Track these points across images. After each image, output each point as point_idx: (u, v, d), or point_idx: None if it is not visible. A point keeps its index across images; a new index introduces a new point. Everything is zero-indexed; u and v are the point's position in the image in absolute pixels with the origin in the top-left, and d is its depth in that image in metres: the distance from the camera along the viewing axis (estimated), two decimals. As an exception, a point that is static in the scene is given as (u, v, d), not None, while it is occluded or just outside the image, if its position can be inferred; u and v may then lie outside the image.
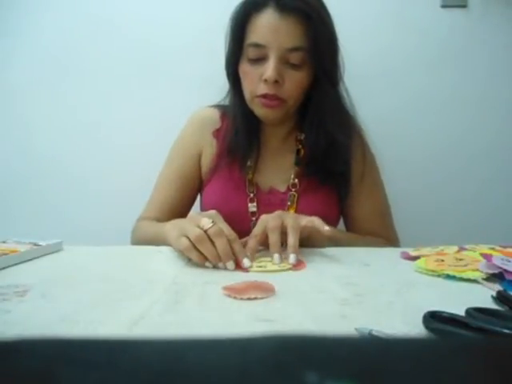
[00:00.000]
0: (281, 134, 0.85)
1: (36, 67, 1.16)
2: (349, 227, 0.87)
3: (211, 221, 0.56)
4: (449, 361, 0.14)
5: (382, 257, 0.63)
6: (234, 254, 0.55)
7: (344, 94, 0.81)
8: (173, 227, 0.61)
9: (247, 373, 0.13)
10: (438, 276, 0.50)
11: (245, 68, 0.75)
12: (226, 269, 0.54)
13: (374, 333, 0.31)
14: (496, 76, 1.13)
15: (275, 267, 0.55)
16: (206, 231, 0.55)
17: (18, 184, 1.19)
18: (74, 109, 1.17)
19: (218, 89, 0.84)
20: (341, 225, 0.90)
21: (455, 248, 0.60)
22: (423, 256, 0.58)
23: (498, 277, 0.48)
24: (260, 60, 0.73)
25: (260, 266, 0.55)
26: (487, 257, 0.52)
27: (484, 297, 0.42)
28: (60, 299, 0.43)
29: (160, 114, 1.16)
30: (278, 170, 0.83)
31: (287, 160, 0.84)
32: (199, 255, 0.55)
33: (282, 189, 0.82)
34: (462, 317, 0.34)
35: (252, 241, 0.59)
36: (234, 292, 0.43)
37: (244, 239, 0.61)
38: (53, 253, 0.64)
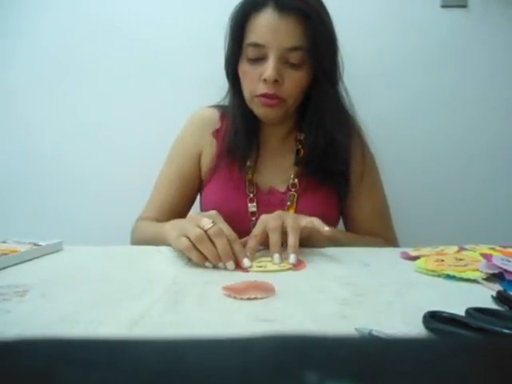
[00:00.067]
0: (280, 134, 0.85)
1: (36, 67, 1.16)
2: (348, 227, 0.87)
3: (211, 221, 0.56)
4: (449, 361, 0.14)
5: (382, 257, 0.63)
6: (234, 254, 0.55)
7: (343, 93, 0.82)
8: (172, 227, 0.61)
9: (247, 373, 0.13)
10: (438, 276, 0.50)
11: (244, 68, 0.75)
12: (225, 269, 0.54)
13: (374, 333, 0.31)
14: (496, 76, 1.13)
15: (275, 267, 0.55)
16: (206, 231, 0.55)
17: (18, 184, 1.19)
18: (73, 109, 1.17)
19: (218, 89, 0.84)
20: (340, 225, 0.90)
21: (455, 248, 0.60)
22: (423, 256, 0.58)
23: (498, 277, 0.48)
24: (259, 60, 0.73)
25: (260, 266, 0.55)
26: (487, 257, 0.52)
27: (484, 297, 0.42)
28: (60, 299, 0.43)
29: (160, 113, 1.16)
30: (278, 170, 0.83)
31: (287, 160, 0.84)
32: (199, 255, 0.55)
33: (282, 189, 0.82)
34: (462, 317, 0.34)
35: (252, 241, 0.59)
36: (234, 292, 0.43)
37: (244, 239, 0.61)
38: (53, 253, 0.64)
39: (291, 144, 0.85)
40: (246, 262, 0.55)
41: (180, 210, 0.85)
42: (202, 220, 0.56)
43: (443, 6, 1.11)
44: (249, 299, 0.42)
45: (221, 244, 0.54)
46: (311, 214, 0.67)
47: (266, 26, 0.71)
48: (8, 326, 0.36)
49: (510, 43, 1.12)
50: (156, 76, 1.15)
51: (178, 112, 0.96)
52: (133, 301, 0.42)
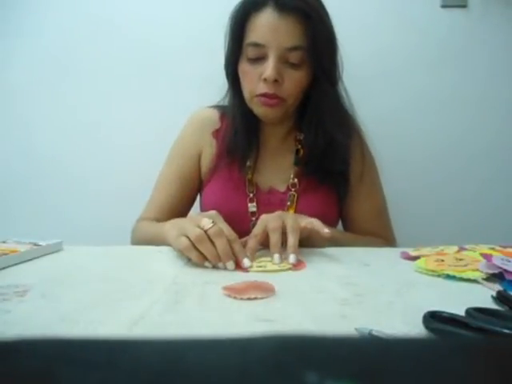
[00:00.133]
0: (280, 134, 0.85)
1: (36, 67, 1.16)
2: (347, 227, 0.87)
3: (211, 221, 0.56)
4: (449, 361, 0.14)
5: (382, 257, 0.63)
6: (234, 254, 0.55)
7: (343, 93, 0.82)
8: (172, 227, 0.61)
9: (247, 373, 0.13)
10: (438, 276, 0.50)
11: (244, 67, 0.75)
12: (225, 269, 0.54)
13: (374, 333, 0.31)
14: (496, 76, 1.13)
15: (275, 267, 0.55)
16: (206, 231, 0.55)
17: (18, 184, 1.19)
18: (73, 109, 1.17)
19: (218, 89, 0.84)
20: (339, 224, 0.90)
21: (455, 248, 0.60)
22: (423, 256, 0.58)
23: (498, 277, 0.48)
24: (259, 59, 0.73)
25: (260, 266, 0.55)
26: (487, 257, 0.52)
27: (484, 297, 0.42)
28: (60, 299, 0.43)
29: (160, 113, 1.16)
30: (278, 170, 0.84)
31: (286, 160, 0.84)
32: (199, 255, 0.55)
33: (282, 189, 0.82)
34: (462, 317, 0.34)
35: (252, 241, 0.59)
36: (234, 292, 0.43)
37: (244, 239, 0.61)
38: (53, 253, 0.64)
39: (291, 144, 0.85)
40: (246, 261, 0.55)
41: (180, 210, 0.85)
42: (202, 220, 0.56)
43: (443, 6, 1.11)
44: (249, 299, 0.42)
45: (221, 244, 0.54)
46: (311, 214, 0.67)
47: (266, 25, 0.71)
48: (8, 326, 0.36)
49: (510, 43, 1.12)
50: (156, 76, 1.15)
51: (177, 112, 0.96)
52: (133, 301, 0.42)
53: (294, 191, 0.81)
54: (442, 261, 0.54)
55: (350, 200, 0.84)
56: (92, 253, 0.65)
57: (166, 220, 0.71)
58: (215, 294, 0.44)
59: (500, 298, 0.40)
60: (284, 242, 0.58)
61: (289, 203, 0.80)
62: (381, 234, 0.84)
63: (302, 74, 0.74)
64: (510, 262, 0.49)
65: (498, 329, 0.31)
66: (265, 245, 0.60)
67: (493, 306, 0.40)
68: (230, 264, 0.54)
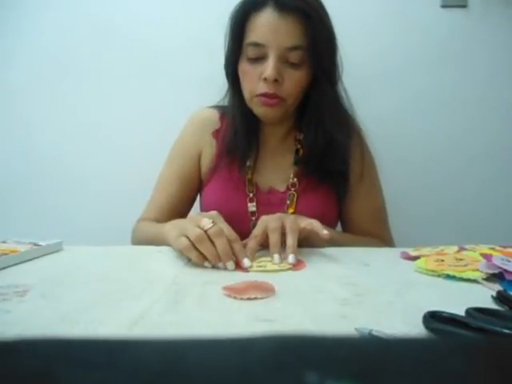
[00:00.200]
0: (280, 134, 0.85)
1: (36, 67, 1.16)
2: (345, 227, 0.88)
3: (211, 221, 0.56)
4: (449, 361, 0.14)
5: (382, 257, 0.63)
6: (234, 254, 0.55)
7: (343, 93, 0.82)
8: (172, 227, 0.61)
9: (247, 373, 0.13)
10: (438, 276, 0.50)
11: (244, 67, 0.75)
12: (226, 269, 0.54)
13: (374, 333, 0.31)
14: (496, 76, 1.13)
15: (275, 267, 0.55)
16: (206, 231, 0.55)
17: (18, 184, 1.19)
18: (73, 109, 1.17)
19: (218, 89, 0.84)
20: (338, 224, 0.90)
21: (455, 248, 0.60)
22: (423, 256, 0.58)
23: (498, 277, 0.48)
24: (259, 59, 0.73)
25: (260, 266, 0.55)
26: (487, 257, 0.52)
27: (484, 297, 0.42)
28: (60, 299, 0.43)
29: (160, 113, 1.16)
30: (278, 170, 0.84)
31: (286, 160, 0.84)
32: (198, 255, 0.55)
33: (282, 188, 0.82)
34: (462, 317, 0.34)
35: (252, 241, 0.60)
36: (234, 292, 0.43)
37: (244, 241, 0.61)
38: (53, 253, 0.64)
39: (291, 144, 0.85)
40: (246, 262, 0.55)
41: (180, 211, 0.85)
42: (202, 220, 0.56)
43: (443, 6, 1.11)
44: (249, 299, 0.42)
45: (220, 244, 0.54)
46: (311, 214, 0.67)
47: (266, 25, 0.71)
48: (8, 326, 0.36)
49: (510, 43, 1.12)
50: (156, 76, 1.15)
51: (177, 112, 0.96)
52: (133, 301, 0.42)
53: (294, 191, 0.81)
54: (442, 261, 0.54)
55: (349, 200, 0.84)
56: (92, 253, 0.65)
57: (167, 220, 0.71)
58: (215, 294, 0.44)
59: (500, 298, 0.40)
60: (283, 243, 0.58)
61: (288, 203, 0.80)
62: (378, 235, 0.84)
63: (302, 74, 0.74)
64: (510, 261, 0.49)
65: (498, 329, 0.31)
66: (265, 245, 0.60)
67: (493, 306, 0.40)
68: (230, 264, 0.54)
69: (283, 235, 0.59)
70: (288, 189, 0.82)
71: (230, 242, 0.55)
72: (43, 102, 1.17)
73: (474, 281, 0.48)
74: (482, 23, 1.11)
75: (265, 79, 0.72)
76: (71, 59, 1.16)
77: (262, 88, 0.73)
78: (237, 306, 0.40)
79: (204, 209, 0.86)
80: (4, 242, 0.63)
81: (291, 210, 0.79)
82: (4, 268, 0.54)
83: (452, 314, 0.34)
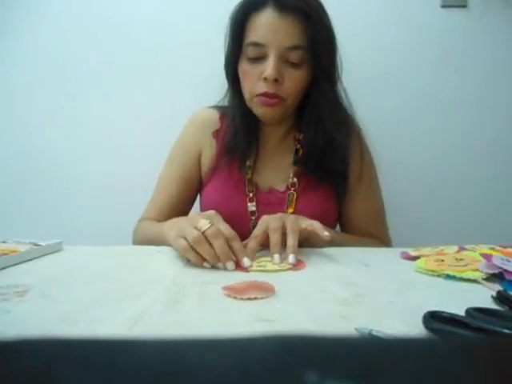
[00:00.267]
0: (279, 134, 0.85)
1: (36, 67, 1.16)
2: (344, 227, 0.88)
3: (209, 222, 0.55)
4: (449, 361, 0.14)
5: (382, 257, 0.63)
6: (233, 252, 0.55)
7: (342, 93, 0.82)
8: (171, 227, 0.61)
9: (247, 373, 0.13)
10: (438, 276, 0.50)
11: (244, 67, 0.75)
12: (225, 269, 0.54)
13: (374, 333, 0.31)
14: (496, 76, 1.13)
15: (275, 267, 0.55)
16: (203, 232, 0.54)
17: (18, 184, 1.19)
18: (74, 109, 1.17)
19: (218, 89, 0.84)
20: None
21: (455, 248, 0.60)
22: (423, 256, 0.58)
23: (498, 277, 0.48)
24: (259, 59, 0.73)
25: (260, 266, 0.55)
26: (487, 257, 0.52)
27: (484, 297, 0.42)
28: (60, 299, 0.43)
29: (160, 113, 1.16)
30: (277, 170, 0.84)
31: (286, 159, 0.84)
32: (197, 256, 0.54)
33: (281, 188, 0.82)
34: (462, 317, 0.34)
35: (253, 241, 0.59)
36: (234, 292, 0.43)
37: (245, 241, 0.61)
38: (53, 253, 0.64)
39: (290, 143, 0.85)
40: (245, 261, 0.54)
41: (181, 210, 0.85)
42: (199, 221, 0.56)
43: (443, 6, 1.11)
44: (249, 299, 0.42)
45: (218, 245, 0.53)
46: (310, 213, 0.67)
47: (266, 25, 0.71)
48: (8, 326, 0.36)
49: (510, 43, 1.12)
50: (156, 76, 1.15)
51: (177, 112, 0.96)
52: (133, 301, 0.42)
53: (294, 191, 0.81)
54: (442, 261, 0.54)
55: (348, 200, 0.84)
56: (92, 253, 0.65)
57: (167, 220, 0.71)
58: (215, 294, 0.44)
59: (500, 297, 0.40)
60: (284, 243, 0.58)
61: (288, 203, 0.80)
62: (377, 235, 0.84)
63: (302, 74, 0.74)
64: (510, 261, 0.49)
65: (498, 329, 0.31)
66: (265, 246, 0.60)
67: (493, 306, 0.40)
68: (230, 264, 0.54)
69: (284, 235, 0.59)
70: (288, 188, 0.82)
71: (228, 240, 0.55)
72: (43, 102, 1.17)
73: (474, 281, 0.48)
74: (482, 23, 1.11)
75: (265, 79, 0.72)
76: (71, 59, 1.16)
77: (262, 88, 0.73)
78: (237, 306, 0.40)
79: (204, 209, 0.86)
80: (4, 242, 0.63)
81: (291, 210, 0.79)
82: (4, 268, 0.54)
83: (452, 314, 0.34)
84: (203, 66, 1.10)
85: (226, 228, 0.56)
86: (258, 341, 0.15)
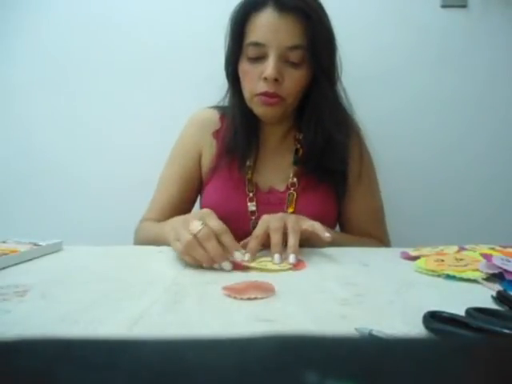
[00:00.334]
0: (279, 134, 0.86)
1: (36, 67, 1.16)
2: (343, 227, 0.88)
3: (200, 223, 0.54)
4: (449, 361, 0.14)
5: (382, 257, 0.63)
6: (225, 248, 0.54)
7: (342, 93, 0.82)
8: (170, 229, 0.61)
9: (247, 373, 0.13)
10: (438, 276, 0.50)
11: (244, 67, 0.75)
12: (222, 270, 0.53)
13: (374, 333, 0.31)
14: (496, 76, 1.13)
15: (275, 267, 0.55)
16: (195, 235, 0.53)
17: (17, 184, 1.19)
18: (74, 109, 1.17)
19: (218, 89, 0.84)
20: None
21: (455, 248, 0.60)
22: (423, 256, 0.58)
23: (498, 277, 0.48)
24: (260, 59, 0.73)
25: (260, 266, 0.55)
26: (487, 257, 0.52)
27: (484, 297, 0.42)
28: (60, 299, 0.43)
29: (160, 113, 1.16)
30: (277, 170, 0.84)
31: (286, 159, 0.84)
32: (193, 259, 0.54)
33: (281, 188, 0.82)
34: (462, 317, 0.34)
35: (253, 241, 0.59)
36: (234, 292, 0.43)
37: (246, 240, 0.61)
38: (53, 253, 0.64)
39: (290, 143, 0.85)
40: (237, 255, 0.54)
41: (182, 211, 0.85)
42: (191, 224, 0.55)
43: (443, 6, 1.11)
44: (249, 299, 0.42)
45: (211, 247, 0.52)
46: (310, 213, 0.67)
47: (266, 25, 0.71)
48: (8, 326, 0.36)
49: (510, 43, 1.12)
50: (156, 76, 1.15)
51: (177, 112, 0.96)
52: (133, 301, 0.42)
53: (294, 190, 0.81)
54: (442, 261, 0.54)
55: (348, 200, 0.84)
56: (92, 253, 0.65)
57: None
58: (215, 294, 0.44)
59: (500, 297, 0.40)
60: (285, 243, 0.58)
61: (288, 202, 0.80)
62: (376, 235, 0.84)
63: (302, 74, 0.74)
64: (510, 261, 0.49)
65: (498, 329, 0.31)
66: (265, 246, 0.60)
67: (493, 306, 0.40)
68: (226, 264, 0.53)
69: (284, 235, 0.59)
70: (288, 188, 0.82)
71: (219, 236, 0.54)
72: (43, 102, 1.17)
73: (474, 281, 0.48)
74: (482, 23, 1.11)
75: (265, 78, 0.72)
76: (71, 59, 1.16)
77: (263, 87, 0.73)
78: (237, 306, 0.40)
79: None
80: (4, 242, 0.63)
81: (291, 210, 0.80)
82: (4, 268, 0.54)
83: (452, 314, 0.34)
84: (203, 66, 1.10)
85: (216, 224, 0.55)
86: (257, 341, 0.15)
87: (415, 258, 0.58)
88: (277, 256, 0.56)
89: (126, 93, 1.16)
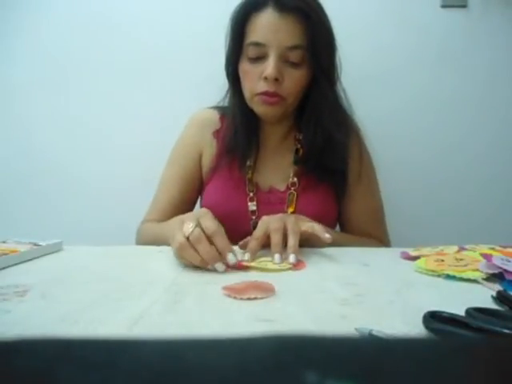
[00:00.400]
0: (280, 133, 0.86)
1: (36, 67, 1.16)
2: (343, 227, 0.88)
3: (192, 225, 0.53)
4: (449, 361, 0.14)
5: (382, 257, 0.63)
6: (217, 250, 0.53)
7: (341, 93, 0.82)
8: (169, 229, 0.61)
9: (247, 372, 0.13)
10: (438, 276, 0.50)
11: (245, 67, 0.75)
12: (216, 270, 0.52)
13: (374, 333, 0.31)
14: (496, 76, 1.13)
15: (275, 267, 0.55)
16: (188, 238, 0.53)
17: (18, 184, 1.19)
18: (74, 109, 1.17)
19: (218, 89, 0.84)
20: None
21: (455, 248, 0.60)
22: (423, 256, 0.58)
23: (498, 277, 0.48)
24: (260, 59, 0.73)
25: (260, 266, 0.55)
26: (487, 257, 0.52)
27: (484, 297, 0.42)
28: (60, 299, 0.43)
29: (160, 113, 1.16)
30: (278, 169, 0.84)
31: (286, 159, 0.84)
32: (186, 260, 0.54)
33: (282, 188, 0.82)
34: (462, 317, 0.34)
35: (253, 242, 0.59)
36: (234, 292, 0.43)
37: (246, 239, 0.61)
38: (53, 253, 0.64)
39: (290, 143, 0.85)
40: (230, 257, 0.53)
41: (183, 211, 0.84)
42: (184, 226, 0.54)
43: (443, 6, 1.11)
44: (249, 299, 0.42)
45: (202, 250, 0.52)
46: (311, 213, 0.67)
47: (267, 25, 0.71)
48: (8, 326, 0.36)
49: (510, 43, 1.12)
50: (157, 76, 1.15)
51: (178, 112, 0.96)
52: (133, 301, 0.42)
53: (294, 190, 0.81)
54: (442, 261, 0.54)
55: (348, 199, 0.84)
56: (92, 253, 0.65)
57: None
58: (215, 294, 0.44)
59: (500, 297, 0.40)
60: (284, 244, 0.58)
61: (288, 202, 0.80)
62: (376, 235, 0.84)
63: (302, 73, 0.74)
64: (510, 261, 0.49)
65: (498, 329, 0.31)
66: (265, 246, 0.60)
67: (493, 306, 0.40)
68: (219, 266, 0.52)
69: (284, 236, 0.59)
70: (288, 188, 0.82)
71: (211, 238, 0.53)
72: (43, 102, 1.17)
73: (474, 281, 0.47)
74: (482, 23, 1.11)
75: (265, 78, 0.72)
76: (71, 59, 1.16)
77: (263, 87, 0.73)
78: (237, 306, 0.40)
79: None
80: (4, 242, 0.63)
81: (291, 210, 0.80)
82: (4, 268, 0.54)
83: (452, 314, 0.34)
84: (203, 66, 1.10)
85: (210, 225, 0.54)
86: (257, 341, 0.15)
87: (415, 258, 0.58)
88: (277, 256, 0.56)
89: (126, 93, 1.16)
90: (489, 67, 1.13)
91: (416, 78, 1.13)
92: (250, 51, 0.74)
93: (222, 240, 0.53)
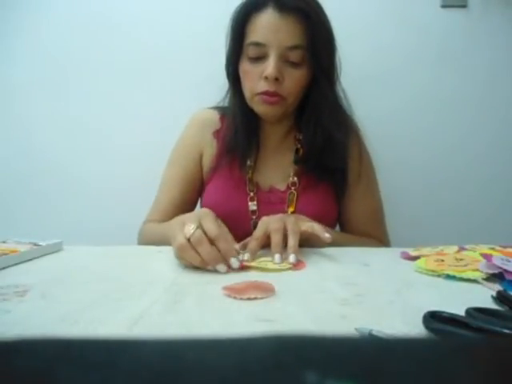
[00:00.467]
0: (280, 133, 0.86)
1: (36, 67, 1.16)
2: (343, 227, 0.88)
3: (193, 226, 0.53)
4: (449, 361, 0.14)
5: (382, 257, 0.63)
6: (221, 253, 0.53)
7: (341, 93, 0.82)
8: (170, 230, 0.61)
9: (247, 372, 0.13)
10: (438, 276, 0.50)
11: (245, 67, 0.76)
12: (217, 271, 0.52)
13: (374, 333, 0.31)
14: (496, 76, 1.13)
15: (275, 267, 0.55)
16: (189, 239, 0.53)
17: (18, 184, 1.19)
18: (74, 109, 1.17)
19: (218, 89, 0.85)
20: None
21: (455, 248, 0.60)
22: (423, 256, 0.58)
23: (498, 277, 0.48)
24: (260, 58, 0.73)
25: (260, 266, 0.55)
26: (487, 257, 0.52)
27: (484, 297, 0.42)
28: (60, 299, 0.43)
29: (160, 113, 1.16)
30: (278, 169, 0.84)
31: (286, 159, 0.84)
32: (187, 261, 0.54)
33: (282, 187, 0.82)
34: (462, 317, 0.34)
35: (253, 243, 0.59)
36: (234, 292, 0.43)
37: (246, 240, 0.61)
38: (53, 253, 0.64)
39: (290, 143, 0.85)
40: (233, 261, 0.53)
41: (184, 211, 0.84)
42: (185, 227, 0.54)
43: (443, 6, 1.11)
44: (249, 299, 0.42)
45: (203, 251, 0.52)
46: (311, 213, 0.68)
47: (267, 25, 0.72)
48: (8, 326, 0.36)
49: (510, 43, 1.12)
50: (157, 76, 1.15)
51: (178, 112, 0.96)
52: (133, 301, 0.42)
53: (294, 190, 0.81)
54: (442, 261, 0.54)
55: (347, 199, 0.84)
56: (92, 253, 0.65)
57: None
58: (215, 294, 0.44)
59: (500, 297, 0.40)
60: (284, 244, 0.58)
61: (289, 202, 0.81)
62: (376, 235, 0.84)
63: (302, 73, 0.75)
64: (510, 261, 0.49)
65: (498, 329, 0.31)
66: (265, 246, 0.60)
67: (493, 306, 0.40)
68: (221, 267, 0.52)
69: (284, 236, 0.59)
70: (288, 188, 0.82)
71: (214, 241, 0.53)
72: (43, 102, 1.17)
73: (474, 281, 0.47)
74: (482, 23, 1.11)
75: (266, 78, 0.72)
76: (71, 59, 1.16)
77: (263, 86, 0.73)
78: (237, 306, 0.40)
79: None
80: (4, 242, 0.63)
81: (291, 209, 0.80)
82: (4, 268, 0.54)
83: (452, 314, 0.34)
84: (203, 66, 1.10)
85: (212, 229, 0.54)
86: (257, 341, 0.15)
87: (415, 258, 0.58)
88: (277, 256, 0.56)
89: (126, 93, 1.16)
90: (489, 67, 1.13)
91: (416, 78, 1.13)
92: (251, 51, 0.74)
93: (225, 244, 0.53)
